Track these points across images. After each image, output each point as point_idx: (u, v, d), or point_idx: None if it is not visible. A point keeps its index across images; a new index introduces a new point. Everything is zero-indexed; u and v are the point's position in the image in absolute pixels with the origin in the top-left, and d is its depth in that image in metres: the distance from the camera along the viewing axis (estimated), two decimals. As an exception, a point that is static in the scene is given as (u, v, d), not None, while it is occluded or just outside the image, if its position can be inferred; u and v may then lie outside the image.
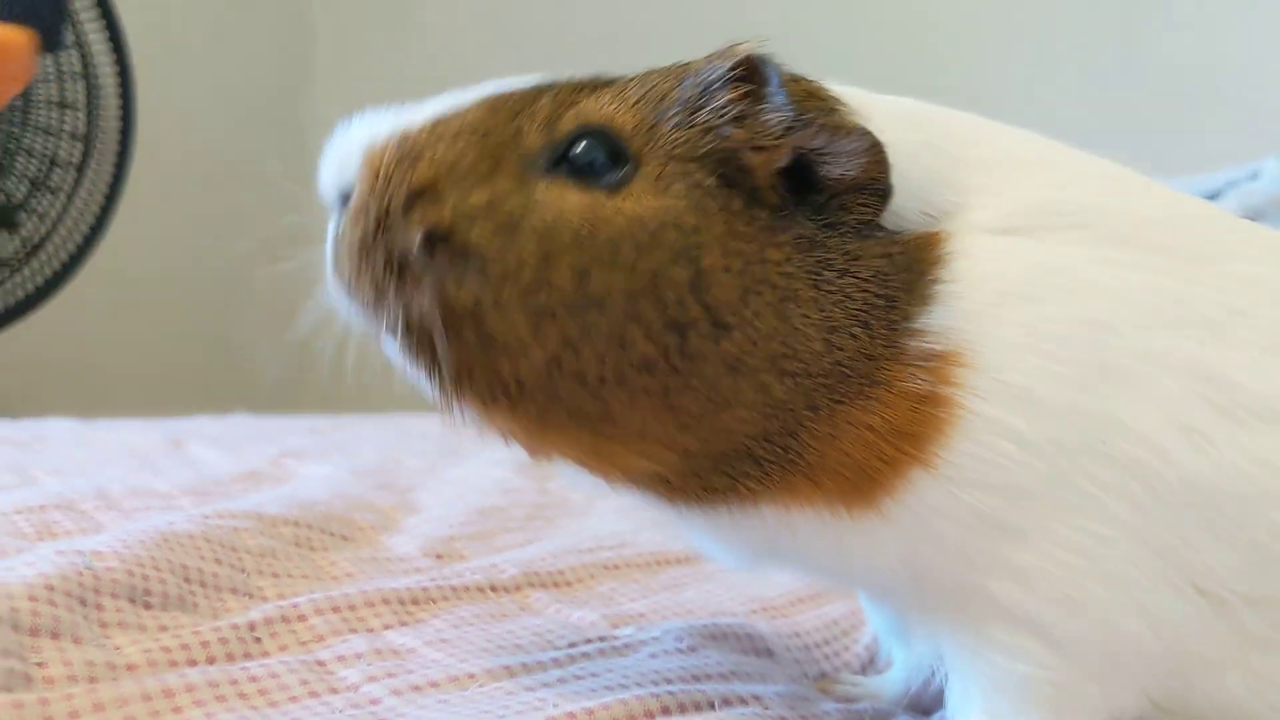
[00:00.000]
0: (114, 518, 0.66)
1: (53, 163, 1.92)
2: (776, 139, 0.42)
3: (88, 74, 1.95)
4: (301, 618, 0.51)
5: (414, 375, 0.42)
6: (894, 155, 0.42)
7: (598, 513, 0.82)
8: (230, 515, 0.62)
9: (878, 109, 0.44)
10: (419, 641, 0.51)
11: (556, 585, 0.62)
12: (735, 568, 0.49)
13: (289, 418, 1.22)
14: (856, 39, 1.94)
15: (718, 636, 0.55)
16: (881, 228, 0.42)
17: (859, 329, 0.41)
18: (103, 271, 2.07)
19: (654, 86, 0.44)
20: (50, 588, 0.46)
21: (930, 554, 0.42)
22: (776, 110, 0.42)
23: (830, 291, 0.41)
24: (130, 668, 0.44)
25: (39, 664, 0.42)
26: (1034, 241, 0.42)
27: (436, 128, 0.43)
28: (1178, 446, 0.39)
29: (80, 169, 1.94)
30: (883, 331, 0.41)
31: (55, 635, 0.44)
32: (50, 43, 1.69)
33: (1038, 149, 0.46)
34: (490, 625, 0.54)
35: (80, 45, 1.93)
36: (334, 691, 0.44)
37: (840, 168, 0.42)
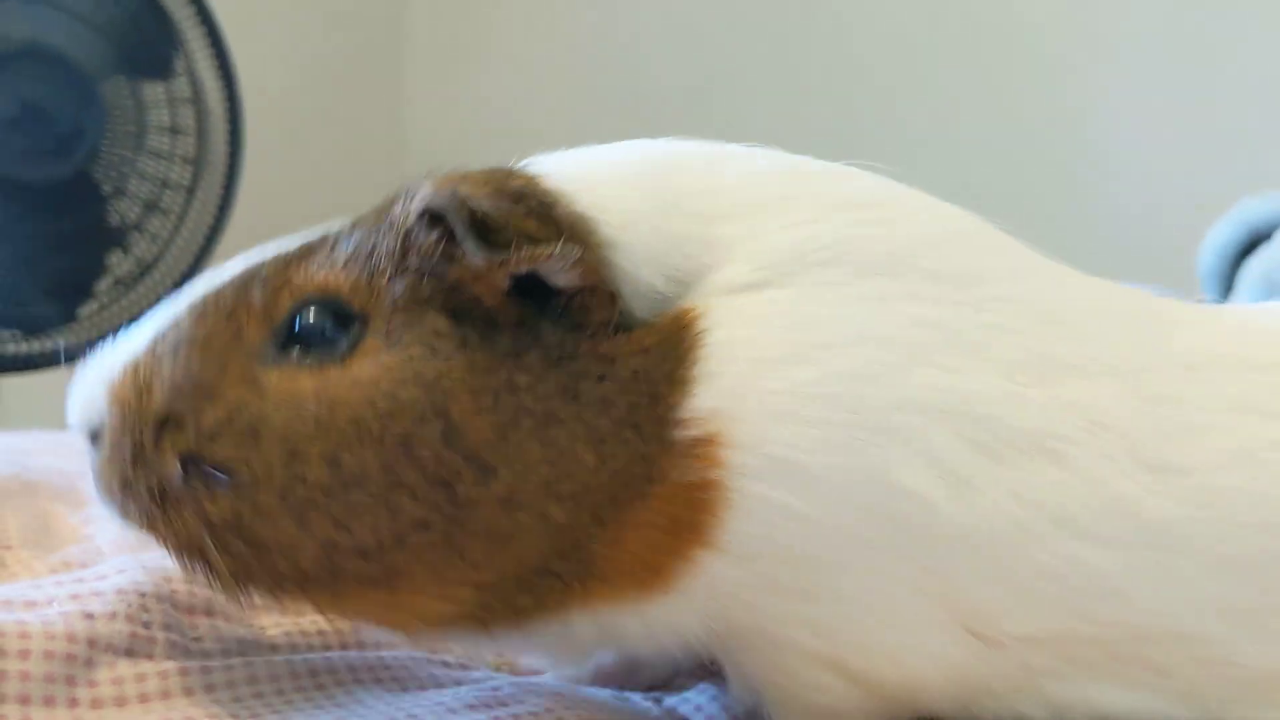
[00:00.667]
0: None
1: (164, 185, 2.00)
2: (486, 273, 0.41)
3: (197, 100, 2.03)
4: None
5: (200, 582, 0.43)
6: (626, 230, 0.41)
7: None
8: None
9: (599, 178, 0.43)
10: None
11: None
12: (564, 670, 0.50)
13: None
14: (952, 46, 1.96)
15: None
16: (634, 316, 0.41)
17: (629, 433, 0.40)
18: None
19: (360, 241, 0.43)
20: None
21: (731, 615, 0.42)
22: (473, 255, 0.40)
23: (590, 402, 0.40)
24: (273, 647, 0.48)
25: (195, 638, 0.46)
26: (784, 292, 0.41)
27: (157, 348, 0.43)
28: (939, 494, 0.39)
29: (190, 191, 2.02)
30: (652, 429, 0.40)
31: (209, 614, 0.48)
32: (162, 70, 1.76)
33: (778, 182, 0.44)
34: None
35: (190, 72, 2.01)
36: (457, 685, 0.48)
37: (561, 279, 0.40)
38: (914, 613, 0.40)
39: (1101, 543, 0.40)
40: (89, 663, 0.42)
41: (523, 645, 0.46)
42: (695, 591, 0.41)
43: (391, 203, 0.43)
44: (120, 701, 0.42)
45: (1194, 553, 0.40)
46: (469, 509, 0.40)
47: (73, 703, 0.41)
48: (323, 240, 0.44)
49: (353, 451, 0.40)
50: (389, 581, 0.41)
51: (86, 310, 1.93)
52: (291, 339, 0.42)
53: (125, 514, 0.42)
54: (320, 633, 0.50)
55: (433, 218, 0.41)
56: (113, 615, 0.44)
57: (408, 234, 0.42)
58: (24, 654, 0.39)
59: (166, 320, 0.44)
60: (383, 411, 0.40)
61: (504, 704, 0.45)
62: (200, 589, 0.49)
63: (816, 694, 0.43)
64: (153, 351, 0.43)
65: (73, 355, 1.67)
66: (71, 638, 0.41)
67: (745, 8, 2.35)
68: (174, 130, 2.01)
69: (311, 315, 0.42)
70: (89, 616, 0.43)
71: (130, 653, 0.43)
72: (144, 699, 0.42)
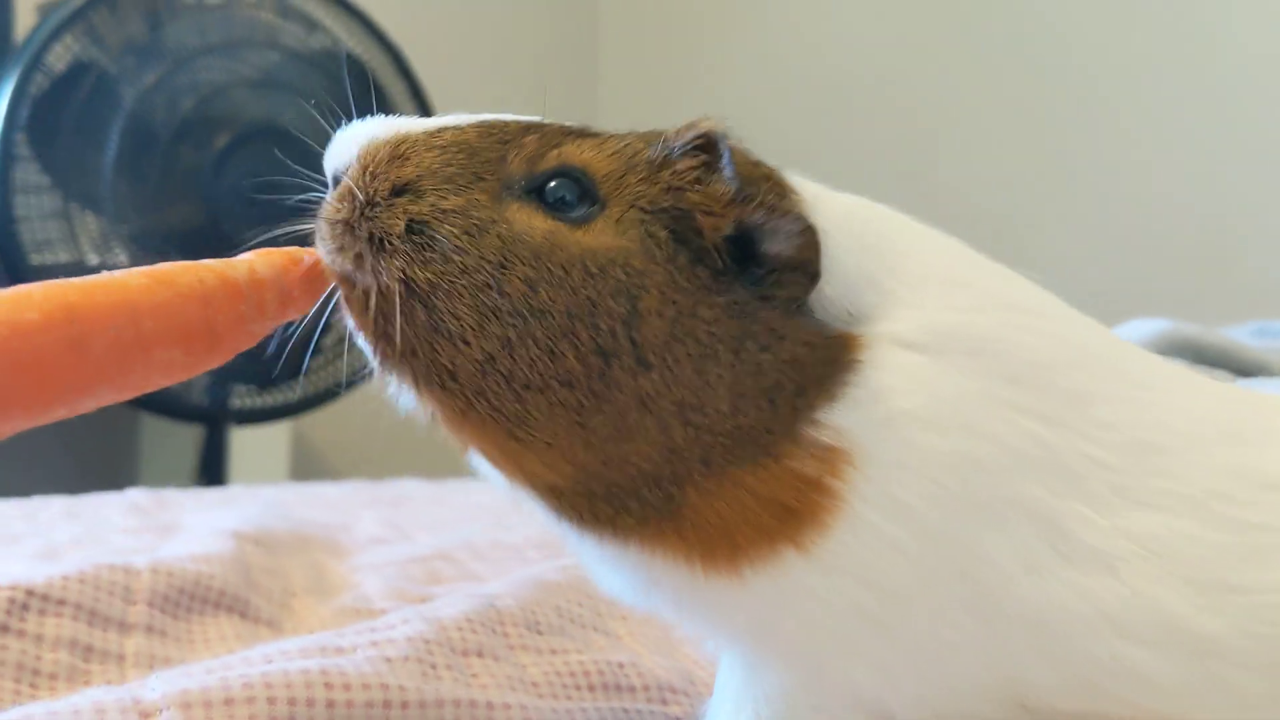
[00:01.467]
0: (484, 567, 0.80)
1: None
2: (723, 208, 0.45)
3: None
4: (654, 667, 0.62)
5: (364, 345, 0.46)
6: (832, 249, 0.45)
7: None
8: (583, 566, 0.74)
9: (828, 204, 0.47)
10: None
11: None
12: (617, 597, 0.51)
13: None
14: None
15: None
16: (811, 314, 0.45)
17: (765, 403, 0.43)
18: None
19: (629, 144, 0.48)
20: (470, 619, 0.59)
21: (789, 627, 0.44)
22: (724, 182, 0.45)
23: (748, 361, 0.44)
24: (534, 685, 0.57)
25: (473, 675, 0.55)
26: (936, 363, 0.44)
27: (432, 138, 0.47)
28: (1019, 573, 0.43)
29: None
30: (786, 412, 0.43)
31: (480, 654, 0.57)
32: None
33: (962, 268, 0.49)
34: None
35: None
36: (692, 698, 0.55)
37: (777, 245, 0.45)
38: (972, 673, 0.44)
39: (1147, 646, 0.43)
40: (389, 703, 0.50)
41: (581, 548, 0.49)
42: (759, 588, 0.43)
43: (664, 131, 0.49)
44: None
45: (1243, 663, 0.44)
46: (612, 387, 0.43)
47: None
48: (602, 131, 0.50)
49: (550, 288, 0.44)
50: (516, 421, 0.44)
51: (313, 365, 2.10)
52: (540, 192, 0.46)
53: (338, 248, 0.46)
54: (573, 674, 0.58)
55: (698, 148, 0.47)
56: (407, 659, 0.52)
57: (673, 150, 0.47)
58: (346, 686, 0.48)
59: (451, 122, 0.49)
60: (590, 271, 0.44)
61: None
62: (471, 635, 0.57)
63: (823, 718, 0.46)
64: (425, 137, 0.48)
65: (300, 408, 1.83)
66: (383, 685, 0.50)
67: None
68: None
69: (564, 181, 0.47)
70: (389, 661, 0.52)
71: (420, 689, 0.52)
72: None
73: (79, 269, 1.78)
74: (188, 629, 0.61)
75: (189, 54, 1.88)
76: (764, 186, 0.45)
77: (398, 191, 0.46)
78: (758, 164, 0.47)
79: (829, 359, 0.44)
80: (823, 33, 2.59)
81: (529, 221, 0.45)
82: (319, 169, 0.49)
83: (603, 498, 0.44)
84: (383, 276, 0.44)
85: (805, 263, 0.45)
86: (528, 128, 0.49)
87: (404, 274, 0.44)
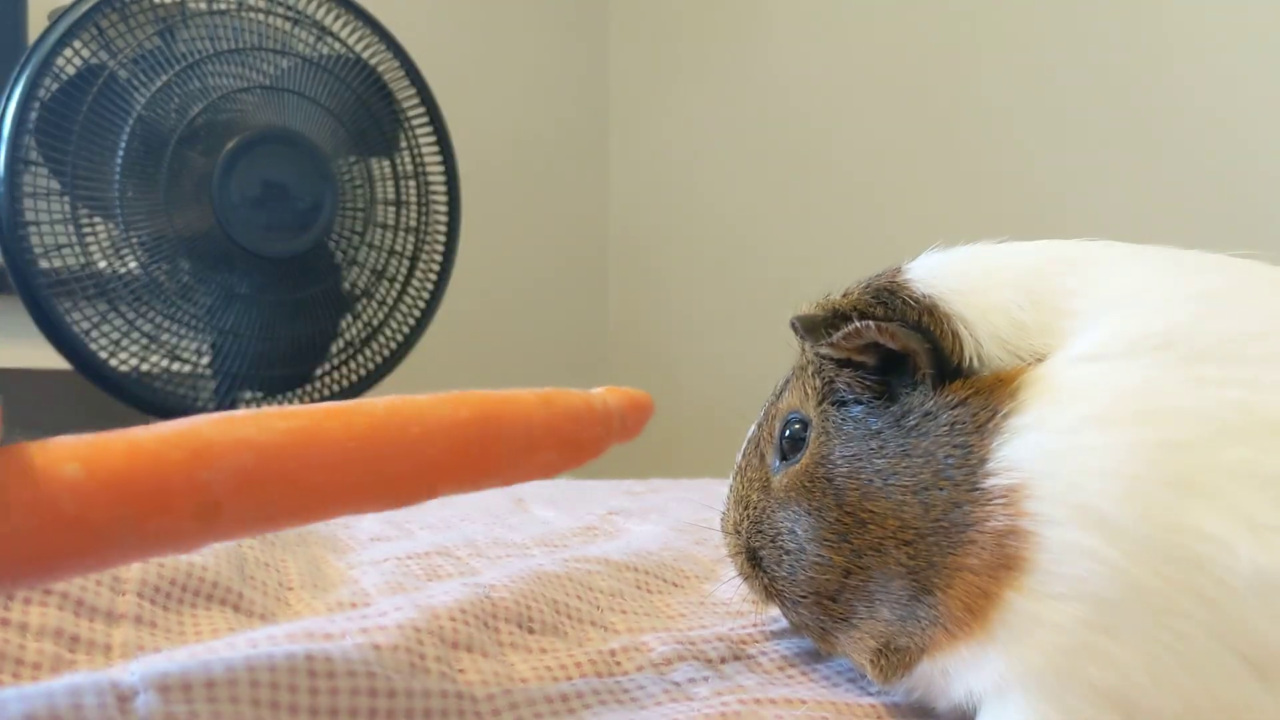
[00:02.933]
0: (485, 563, 0.79)
1: (390, 254, 2.15)
2: (832, 358, 0.54)
3: (419, 174, 2.18)
4: (650, 649, 0.61)
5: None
6: (973, 308, 0.49)
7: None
8: (584, 560, 0.73)
9: (964, 270, 0.52)
10: (751, 671, 0.61)
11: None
12: None
13: (606, 481, 1.35)
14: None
15: None
16: (960, 373, 0.49)
17: (945, 482, 0.47)
18: (431, 352, 2.29)
19: (799, 367, 0.58)
20: (463, 610, 0.58)
21: (1028, 657, 0.45)
22: (807, 345, 0.57)
23: (917, 456, 0.48)
24: (523, 680, 0.55)
25: (460, 670, 0.54)
26: (1113, 366, 0.45)
27: (735, 475, 0.64)
28: (1241, 539, 0.41)
29: (413, 259, 2.16)
30: (963, 478, 0.46)
31: (469, 649, 0.56)
32: (388, 148, 1.91)
33: (1142, 280, 0.49)
34: (812, 665, 0.63)
35: (413, 149, 2.16)
36: (690, 700, 0.54)
37: (886, 345, 0.51)
38: (1205, 651, 0.42)
39: None
40: (375, 691, 0.49)
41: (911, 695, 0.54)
42: (1001, 636, 0.45)
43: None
44: (409, 714, 0.49)
45: None
46: (858, 556, 0.51)
47: (372, 713, 0.48)
48: (785, 380, 0.60)
49: (798, 522, 0.55)
50: (842, 621, 0.54)
51: (321, 371, 2.09)
52: (784, 450, 0.57)
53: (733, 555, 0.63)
54: (563, 666, 0.57)
55: (805, 331, 0.56)
56: (395, 648, 0.51)
57: (801, 349, 0.58)
58: (331, 674, 0.47)
59: (739, 459, 0.64)
60: (804, 489, 0.54)
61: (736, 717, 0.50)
62: (463, 627, 0.56)
63: None
64: (734, 478, 0.64)
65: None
66: (370, 673, 0.49)
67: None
68: (399, 203, 2.17)
69: (787, 432, 0.57)
70: (377, 648, 0.51)
71: (408, 679, 0.51)
72: (427, 713, 0.50)
73: (88, 275, 1.78)
74: (179, 620, 0.60)
75: (199, 59, 1.88)
76: (863, 314, 0.52)
77: (736, 531, 0.63)
78: (848, 295, 0.55)
79: (985, 403, 0.47)
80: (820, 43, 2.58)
81: (778, 484, 0.57)
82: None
83: (900, 634, 0.50)
84: (758, 592, 0.61)
85: (912, 349, 0.50)
86: (759, 424, 0.62)
87: (763, 589, 0.60)
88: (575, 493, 1.22)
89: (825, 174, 2.59)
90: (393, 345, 2.14)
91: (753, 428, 0.62)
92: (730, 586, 0.78)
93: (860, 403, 0.52)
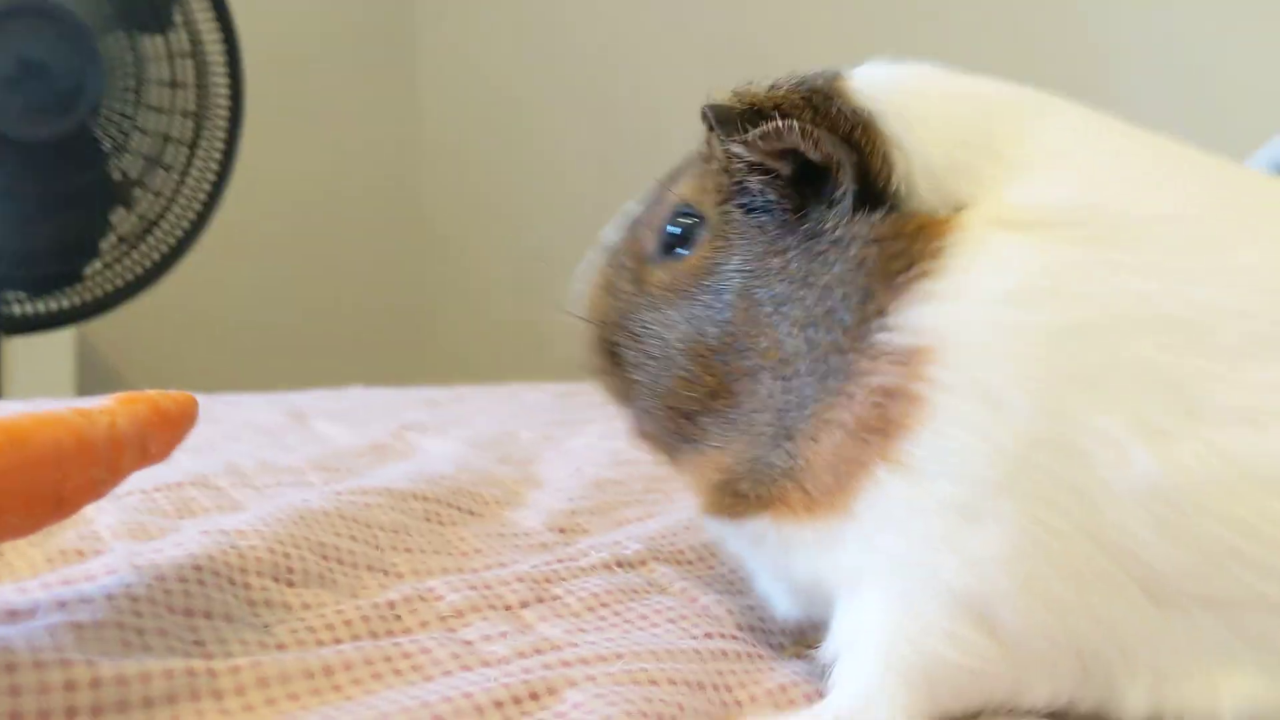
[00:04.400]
0: (249, 495, 0.68)
1: (166, 140, 1.96)
2: (756, 154, 0.46)
3: (196, 53, 1.99)
4: (439, 596, 0.52)
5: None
6: (913, 140, 0.44)
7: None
8: (362, 492, 0.63)
9: (918, 90, 0.46)
10: (557, 616, 0.52)
11: (678, 563, 0.62)
12: (787, 616, 0.50)
13: (404, 390, 1.24)
14: None
15: None
16: (889, 206, 0.43)
17: (835, 324, 0.43)
18: (221, 251, 2.12)
19: (699, 153, 0.50)
20: (198, 568, 0.47)
21: (885, 540, 0.41)
22: (715, 141, 0.48)
23: (815, 287, 0.43)
24: (280, 647, 0.45)
25: (195, 642, 0.44)
26: (1032, 239, 0.42)
27: (604, 255, 0.54)
28: (1135, 442, 0.38)
29: (192, 146, 1.98)
30: (855, 324, 0.42)
31: (208, 614, 0.45)
32: (160, 23, 1.72)
33: (1080, 140, 0.46)
34: (624, 604, 0.55)
35: (189, 25, 1.97)
36: (486, 664, 0.45)
37: (810, 154, 0.44)
38: (1084, 561, 0.39)
39: None
40: (73, 684, 0.38)
41: (738, 546, 0.50)
42: (865, 516, 0.41)
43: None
44: (122, 707, 0.39)
45: None
46: (731, 379, 0.46)
47: (70, 712, 0.38)
48: (688, 158, 0.51)
49: (671, 329, 0.48)
50: (692, 443, 0.49)
51: (92, 269, 1.91)
52: (668, 243, 0.50)
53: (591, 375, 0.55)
54: (329, 627, 0.48)
55: (718, 122, 0.47)
56: (101, 624, 0.41)
57: (708, 140, 0.49)
58: (14, 690, 0.36)
59: (610, 237, 0.54)
60: (685, 294, 0.48)
61: (535, 695, 0.42)
62: (197, 587, 0.46)
63: (947, 646, 0.40)
64: (602, 258, 0.54)
65: (79, 315, 1.64)
66: (64, 662, 0.38)
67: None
68: (173, 84, 1.97)
69: (674, 222, 0.50)
70: (78, 627, 0.40)
71: (119, 663, 0.40)
72: (148, 703, 0.39)
73: None
74: None
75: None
76: (787, 112, 0.45)
77: (600, 323, 0.53)
78: (773, 91, 0.47)
79: (902, 252, 0.42)
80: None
81: (655, 279, 0.50)
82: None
83: (747, 476, 0.45)
84: (610, 392, 0.54)
85: (837, 160, 0.44)
86: (643, 205, 0.53)
87: (614, 392, 0.54)
88: (367, 404, 1.11)
89: (635, 70, 2.49)
90: (172, 240, 1.96)
91: (633, 204, 0.54)
92: (534, 513, 0.69)
93: (769, 213, 0.46)
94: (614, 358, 0.52)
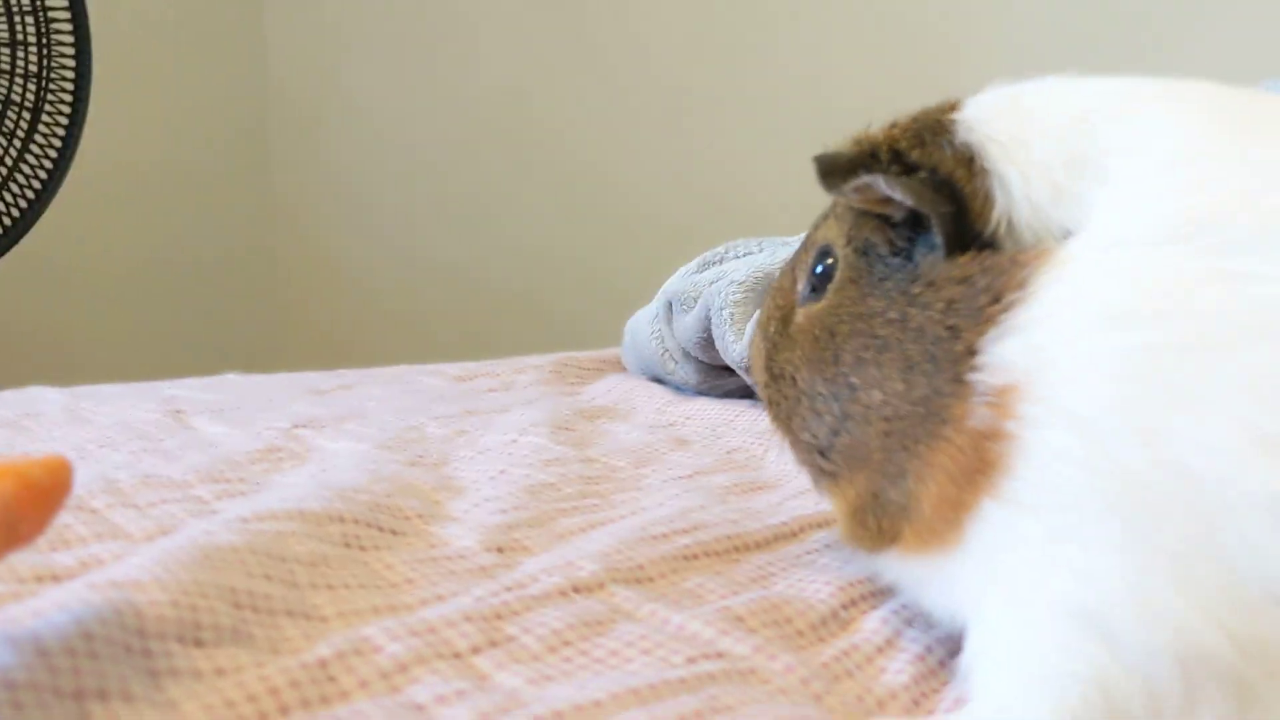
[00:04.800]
0: (131, 517, 0.59)
1: (5, 104, 1.81)
2: (863, 202, 0.47)
3: (36, 8, 1.84)
4: (377, 648, 0.44)
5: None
6: (1005, 171, 0.43)
7: (650, 485, 0.75)
8: (271, 516, 0.54)
9: (1017, 114, 0.45)
10: (517, 662, 0.45)
11: (638, 581, 0.55)
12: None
13: (282, 377, 1.14)
14: None
15: (836, 675, 0.48)
16: (981, 240, 0.43)
17: (929, 365, 0.42)
18: (69, 222, 1.97)
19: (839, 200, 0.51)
20: (89, 636, 0.38)
21: (999, 565, 0.41)
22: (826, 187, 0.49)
23: (912, 328, 0.44)
24: (193, 728, 0.37)
25: (88, 736, 0.35)
26: (1131, 256, 0.39)
27: (767, 294, 0.57)
28: (1251, 454, 0.36)
29: (35, 111, 1.83)
30: (948, 365, 0.42)
31: (103, 696, 0.37)
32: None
33: (1193, 138, 0.42)
34: (590, 640, 0.47)
35: (27, -24, 1.81)
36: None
37: (901, 200, 0.45)
38: (1205, 579, 0.36)
39: None
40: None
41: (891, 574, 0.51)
42: (975, 547, 0.42)
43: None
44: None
45: None
46: (849, 421, 0.47)
47: None
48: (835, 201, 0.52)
49: (799, 370, 0.51)
50: (828, 476, 0.51)
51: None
52: (813, 285, 0.51)
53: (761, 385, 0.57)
54: (252, 698, 0.39)
55: (826, 174, 0.49)
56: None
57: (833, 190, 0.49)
58: None
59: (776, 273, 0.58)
60: (811, 338, 0.50)
61: None
62: (88, 661, 0.37)
63: (1063, 657, 0.38)
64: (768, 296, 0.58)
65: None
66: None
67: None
68: (13, 43, 1.81)
69: (818, 264, 0.51)
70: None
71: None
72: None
73: None
74: None
75: None
76: (907, 148, 0.46)
77: (766, 368, 0.55)
78: (864, 139, 0.48)
79: (989, 287, 0.41)
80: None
81: (799, 322, 0.52)
82: None
83: (868, 509, 0.47)
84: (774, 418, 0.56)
85: (919, 200, 0.44)
86: (803, 245, 0.55)
87: (774, 416, 0.56)
88: (247, 395, 1.00)
89: (491, 39, 2.40)
90: (15, 212, 1.81)
91: (803, 236, 0.56)
92: (464, 529, 0.61)
93: (880, 257, 0.47)
94: (768, 394, 0.55)
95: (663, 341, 1.15)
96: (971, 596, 0.43)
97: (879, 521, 0.47)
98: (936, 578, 0.45)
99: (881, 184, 0.45)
